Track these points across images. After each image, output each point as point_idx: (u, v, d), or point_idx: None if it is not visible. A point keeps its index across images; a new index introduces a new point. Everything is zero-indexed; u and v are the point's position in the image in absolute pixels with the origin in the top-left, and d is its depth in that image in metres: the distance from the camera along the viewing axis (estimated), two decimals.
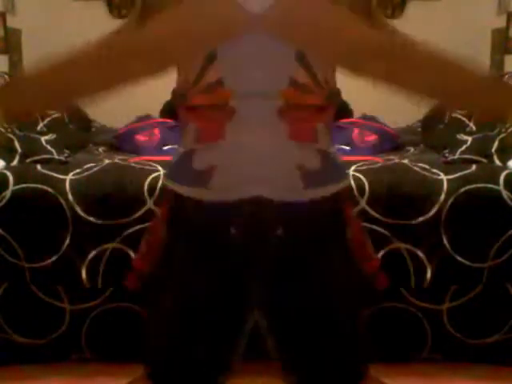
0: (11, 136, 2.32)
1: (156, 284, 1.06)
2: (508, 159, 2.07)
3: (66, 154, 2.36)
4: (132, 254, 1.83)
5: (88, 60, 0.94)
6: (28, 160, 2.28)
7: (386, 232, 1.83)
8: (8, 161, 2.08)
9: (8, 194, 1.83)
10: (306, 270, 0.99)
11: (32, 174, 1.90)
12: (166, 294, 1.03)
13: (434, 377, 1.85)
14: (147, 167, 1.97)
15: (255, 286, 0.98)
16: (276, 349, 1.02)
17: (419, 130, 3.11)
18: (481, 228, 1.84)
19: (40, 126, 2.66)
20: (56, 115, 2.84)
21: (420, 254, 1.83)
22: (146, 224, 1.83)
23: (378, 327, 1.87)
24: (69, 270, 1.84)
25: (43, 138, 2.48)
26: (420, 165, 1.98)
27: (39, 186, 1.84)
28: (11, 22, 3.31)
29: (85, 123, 3.10)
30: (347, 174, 1.10)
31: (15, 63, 3.32)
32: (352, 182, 1.87)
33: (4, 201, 1.83)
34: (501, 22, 3.25)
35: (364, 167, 1.96)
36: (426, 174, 1.92)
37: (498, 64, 3.26)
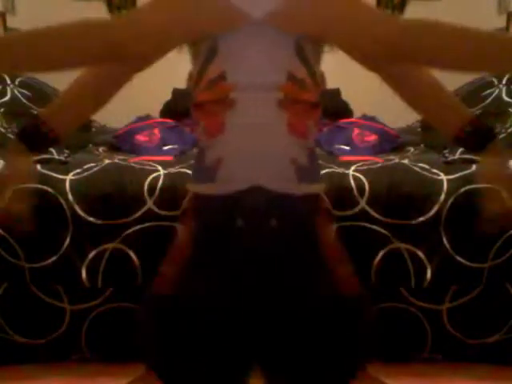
0: (11, 136, 2.32)
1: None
2: (508, 159, 2.07)
3: (65, 154, 2.36)
4: (132, 254, 1.83)
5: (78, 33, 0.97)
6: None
7: (386, 232, 1.83)
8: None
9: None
10: (294, 267, 0.99)
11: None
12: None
13: (434, 377, 1.85)
14: (147, 167, 1.97)
15: (252, 288, 0.98)
16: (261, 351, 1.02)
17: (419, 130, 3.11)
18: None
19: None
20: None
21: (420, 254, 1.83)
22: (146, 224, 1.84)
23: (378, 327, 1.87)
24: (69, 270, 1.84)
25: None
26: (420, 165, 1.98)
27: (39, 186, 1.84)
28: (11, 22, 3.30)
29: (85, 123, 3.10)
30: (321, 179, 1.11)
31: None
32: (352, 182, 1.87)
33: None
34: (501, 22, 3.25)
35: (364, 167, 1.96)
36: (426, 173, 1.92)
37: None
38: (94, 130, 3.19)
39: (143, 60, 1.02)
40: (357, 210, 1.84)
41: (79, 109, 1.10)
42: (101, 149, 2.72)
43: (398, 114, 2.72)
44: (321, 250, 1.04)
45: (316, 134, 1.07)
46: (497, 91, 2.55)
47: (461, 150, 2.21)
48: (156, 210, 1.84)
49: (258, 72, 0.99)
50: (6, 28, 3.28)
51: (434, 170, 1.93)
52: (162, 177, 1.90)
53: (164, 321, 1.03)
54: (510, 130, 2.30)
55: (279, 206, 0.98)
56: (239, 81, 0.98)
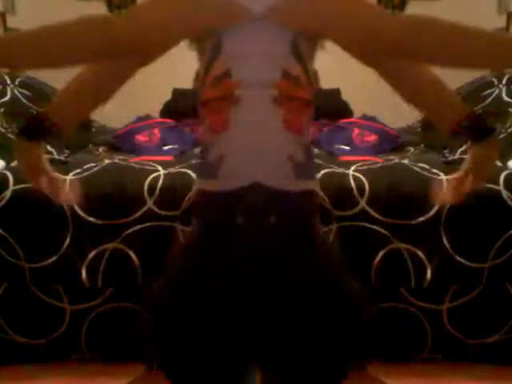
0: (11, 136, 2.32)
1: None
2: (508, 159, 2.07)
3: (65, 154, 2.36)
4: (132, 254, 1.83)
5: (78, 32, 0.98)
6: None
7: (386, 232, 1.83)
8: (8, 161, 2.08)
9: (8, 194, 1.84)
10: (293, 264, 1.00)
11: None
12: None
13: (434, 377, 1.85)
14: (147, 167, 1.97)
15: (252, 286, 0.98)
16: (260, 349, 1.02)
17: (419, 130, 3.11)
18: (481, 228, 1.84)
19: None
20: None
21: (420, 253, 1.83)
22: (146, 224, 1.84)
23: (378, 327, 1.87)
24: (69, 270, 1.84)
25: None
26: (420, 165, 1.98)
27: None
28: (11, 22, 3.30)
29: (85, 123, 3.10)
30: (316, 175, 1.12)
31: None
32: (352, 182, 1.87)
33: (4, 201, 1.83)
34: (501, 22, 3.25)
35: (364, 167, 1.96)
36: (426, 173, 1.92)
37: None
38: (94, 129, 3.19)
39: (145, 56, 1.03)
40: (357, 210, 1.84)
41: (80, 105, 1.11)
42: (101, 149, 2.72)
43: (398, 114, 2.73)
44: (318, 246, 1.04)
45: (310, 131, 1.07)
46: (497, 91, 2.55)
47: (461, 149, 2.22)
48: (156, 210, 1.84)
49: (256, 69, 1.00)
50: (5, 28, 3.28)
51: (434, 170, 1.93)
52: (161, 177, 1.90)
53: (165, 320, 1.04)
54: (510, 130, 2.30)
55: (278, 202, 0.98)
56: (244, 78, 0.99)
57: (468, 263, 1.83)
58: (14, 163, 2.19)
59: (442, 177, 1.88)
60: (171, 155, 2.44)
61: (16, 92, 2.61)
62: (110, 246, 1.83)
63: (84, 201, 1.81)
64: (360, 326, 1.05)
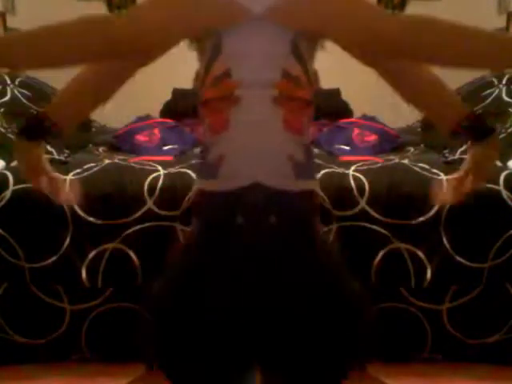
0: (11, 136, 2.32)
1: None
2: (508, 159, 2.07)
3: (65, 154, 2.36)
4: (132, 254, 1.83)
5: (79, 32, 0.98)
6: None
7: (386, 232, 1.83)
8: (8, 161, 2.08)
9: (8, 194, 1.84)
10: (293, 265, 1.00)
11: None
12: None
13: (434, 377, 1.85)
14: (147, 167, 1.97)
15: (252, 286, 0.98)
16: (260, 348, 1.02)
17: (419, 130, 3.11)
18: (481, 228, 1.83)
19: None
20: None
21: (420, 254, 1.83)
22: (146, 224, 1.84)
23: (378, 327, 1.87)
24: (69, 270, 1.84)
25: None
26: (420, 165, 1.98)
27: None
28: (11, 22, 3.30)
29: (85, 123, 3.10)
30: (316, 175, 1.12)
31: None
32: (352, 182, 1.87)
33: (4, 201, 1.83)
34: (501, 22, 3.25)
35: (364, 167, 1.96)
36: (426, 173, 1.92)
37: None
38: (94, 129, 3.19)
39: (145, 56, 1.03)
40: (357, 210, 1.84)
41: (80, 105, 1.11)
42: (101, 149, 2.72)
43: (398, 114, 2.73)
44: (318, 246, 1.04)
45: (310, 131, 1.07)
46: (497, 91, 2.55)
47: (461, 149, 2.22)
48: (156, 210, 1.84)
49: (256, 69, 1.00)
50: (5, 28, 3.28)
51: (434, 170, 1.93)
52: (161, 177, 1.90)
53: (165, 320, 1.04)
54: (510, 130, 2.30)
55: (278, 202, 0.98)
56: (244, 78, 0.99)
57: (468, 263, 1.83)
58: (14, 163, 2.19)
59: (442, 177, 1.88)
60: (171, 155, 2.44)
61: (16, 92, 2.61)
62: (109, 245, 1.83)
63: (84, 201, 1.81)
64: (360, 325, 1.05)
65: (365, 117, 2.94)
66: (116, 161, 2.10)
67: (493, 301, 1.87)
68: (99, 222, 1.83)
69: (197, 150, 2.62)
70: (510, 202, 1.82)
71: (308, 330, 0.99)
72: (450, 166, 2.00)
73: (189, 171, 1.92)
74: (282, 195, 0.99)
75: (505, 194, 1.83)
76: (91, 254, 1.83)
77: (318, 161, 2.03)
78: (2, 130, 2.34)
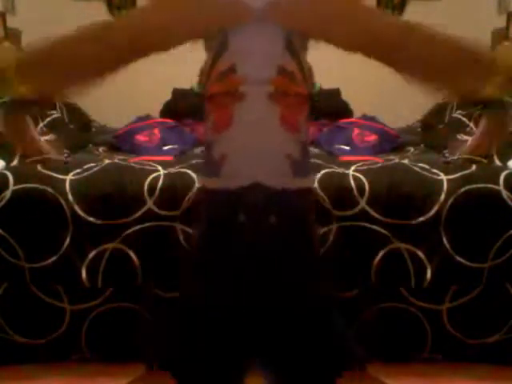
0: None
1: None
2: (508, 159, 2.07)
3: (65, 154, 2.36)
4: (132, 254, 1.83)
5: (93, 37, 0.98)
6: (28, 160, 2.28)
7: (386, 232, 1.83)
8: (8, 161, 2.08)
9: (8, 194, 1.84)
10: (292, 264, 1.00)
11: (32, 174, 1.90)
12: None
13: (434, 377, 1.85)
14: (147, 167, 1.97)
15: (253, 284, 0.98)
16: (260, 346, 1.02)
17: (419, 130, 3.11)
18: (481, 228, 1.84)
19: (40, 126, 2.66)
20: (56, 115, 2.84)
21: (420, 254, 1.83)
22: (146, 224, 1.84)
23: (378, 327, 1.87)
24: (69, 270, 1.84)
25: (43, 138, 2.47)
26: (420, 165, 1.98)
27: (39, 186, 1.84)
28: (11, 22, 3.30)
29: (85, 123, 3.10)
30: (313, 173, 1.13)
31: None
32: (352, 182, 1.87)
33: (4, 201, 1.83)
34: (501, 22, 3.25)
35: (364, 167, 1.96)
36: (426, 173, 1.92)
37: None
38: (94, 129, 3.19)
39: (146, 56, 1.03)
40: (357, 210, 1.84)
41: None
42: (101, 149, 2.72)
43: (398, 114, 2.73)
44: (315, 246, 1.05)
45: (307, 128, 1.08)
46: None
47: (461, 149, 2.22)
48: (156, 210, 1.84)
49: (257, 67, 1.01)
50: (6, 28, 3.28)
51: (434, 170, 1.93)
52: (161, 177, 1.90)
53: (168, 320, 1.04)
54: (510, 130, 2.30)
55: (277, 202, 0.99)
56: (248, 75, 1.00)
57: (468, 263, 1.83)
58: (14, 163, 2.19)
59: (442, 177, 1.88)
60: (171, 155, 2.44)
61: None
62: (110, 246, 1.83)
63: (84, 201, 1.82)
64: (334, 324, 1.06)
65: (365, 117, 2.94)
66: (116, 161, 2.10)
67: (493, 301, 1.87)
68: (99, 222, 1.83)
69: (197, 150, 2.63)
70: (510, 201, 1.82)
71: (306, 329, 1.00)
72: (450, 166, 2.00)
73: (189, 171, 1.92)
74: (281, 195, 0.99)
75: (505, 194, 1.83)
76: (91, 254, 1.83)
77: (317, 161, 2.03)
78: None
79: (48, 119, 2.72)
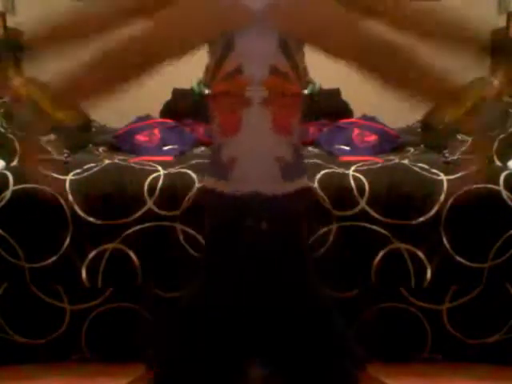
0: (11, 136, 2.32)
1: None
2: (508, 159, 2.07)
3: (65, 154, 2.36)
4: (132, 254, 1.83)
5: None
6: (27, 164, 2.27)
7: (385, 232, 1.83)
8: (8, 161, 2.08)
9: (8, 194, 1.84)
10: (285, 266, 1.01)
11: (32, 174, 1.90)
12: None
13: (434, 377, 1.85)
14: (147, 167, 1.97)
15: (252, 286, 0.99)
16: (259, 345, 1.03)
17: (419, 130, 3.11)
18: (481, 228, 1.84)
19: None
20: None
21: (420, 254, 1.83)
22: (146, 224, 1.84)
23: (378, 327, 1.87)
24: (69, 270, 1.84)
25: (43, 138, 2.47)
26: (420, 165, 1.98)
27: (39, 186, 1.84)
28: (11, 22, 3.30)
29: (85, 123, 3.10)
30: (306, 174, 1.13)
31: None
32: (352, 182, 1.87)
33: (4, 201, 1.83)
34: (501, 22, 3.25)
35: (364, 167, 1.96)
36: (426, 174, 1.92)
37: None
38: (94, 129, 3.19)
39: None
40: (357, 210, 1.84)
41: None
42: (101, 149, 2.72)
43: (398, 114, 2.73)
44: (305, 250, 1.05)
45: (299, 129, 1.08)
46: None
47: (461, 150, 2.22)
48: (156, 210, 1.84)
49: (257, 69, 1.01)
50: (6, 28, 3.28)
51: (434, 170, 1.93)
52: (161, 177, 1.90)
53: (168, 320, 1.05)
54: (510, 130, 2.31)
55: (268, 208, 1.00)
56: (253, 75, 1.01)
57: (468, 263, 1.83)
58: (14, 163, 2.20)
59: (442, 177, 1.88)
60: (171, 155, 2.44)
61: None
62: (110, 246, 1.83)
63: (84, 201, 1.82)
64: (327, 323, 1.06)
65: (365, 117, 2.94)
66: (116, 161, 2.10)
67: (493, 301, 1.87)
68: (99, 222, 1.83)
69: (197, 150, 2.63)
70: (510, 202, 1.82)
71: (302, 329, 1.00)
72: (450, 166, 2.00)
73: (189, 171, 1.92)
74: (271, 201, 1.00)
75: (505, 194, 1.83)
76: (91, 254, 1.83)
77: (317, 161, 2.03)
78: (2, 130, 2.34)
79: None
